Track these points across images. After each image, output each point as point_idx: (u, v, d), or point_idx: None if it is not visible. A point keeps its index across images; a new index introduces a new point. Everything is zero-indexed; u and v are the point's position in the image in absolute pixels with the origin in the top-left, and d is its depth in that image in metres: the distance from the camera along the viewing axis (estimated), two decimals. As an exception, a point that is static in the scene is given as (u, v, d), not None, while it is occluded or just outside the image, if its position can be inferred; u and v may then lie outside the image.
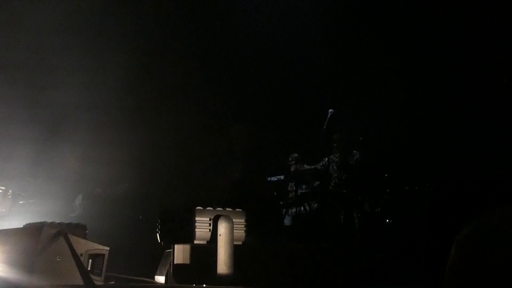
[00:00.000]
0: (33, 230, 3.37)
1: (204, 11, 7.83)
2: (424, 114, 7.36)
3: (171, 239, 3.66)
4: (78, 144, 7.81)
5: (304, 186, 7.53)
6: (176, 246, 3.63)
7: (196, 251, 3.61)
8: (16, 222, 4.59)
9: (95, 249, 3.44)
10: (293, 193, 7.71)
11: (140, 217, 7.42)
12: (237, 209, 3.72)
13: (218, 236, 3.46)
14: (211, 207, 3.58)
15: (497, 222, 1.24)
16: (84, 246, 3.36)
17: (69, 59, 7.58)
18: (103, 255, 3.57)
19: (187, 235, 3.51)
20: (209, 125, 7.92)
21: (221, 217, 3.49)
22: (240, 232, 3.64)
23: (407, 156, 7.10)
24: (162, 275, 3.93)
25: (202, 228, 3.48)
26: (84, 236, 4.01)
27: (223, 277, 3.38)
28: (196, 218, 3.47)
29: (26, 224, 4.01)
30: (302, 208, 7.42)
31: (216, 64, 8.18)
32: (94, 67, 7.78)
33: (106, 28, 7.77)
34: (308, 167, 7.55)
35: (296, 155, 7.90)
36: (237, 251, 3.51)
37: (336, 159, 6.94)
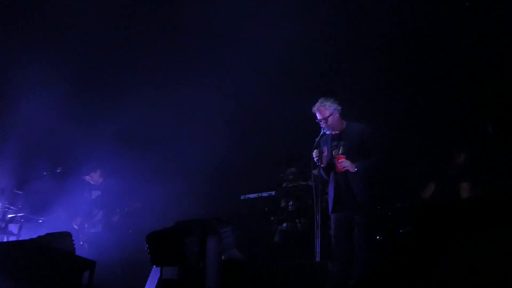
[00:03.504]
0: (18, 244, 3.34)
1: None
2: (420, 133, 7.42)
3: (161, 262, 3.62)
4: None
5: (297, 202, 7.51)
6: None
7: (184, 268, 3.58)
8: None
9: (81, 262, 3.42)
10: (285, 209, 7.69)
11: (130, 231, 7.39)
12: (226, 225, 3.71)
13: (207, 253, 3.44)
14: (199, 223, 3.57)
15: (470, 257, 1.26)
16: (68, 259, 3.33)
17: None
18: (90, 268, 3.54)
19: (176, 256, 3.47)
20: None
21: (209, 234, 3.47)
22: (228, 249, 3.63)
23: (400, 174, 7.12)
24: (150, 291, 3.90)
25: (190, 246, 3.44)
26: (72, 245, 3.98)
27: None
28: (185, 237, 3.44)
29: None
30: (293, 224, 7.41)
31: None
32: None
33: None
34: (303, 183, 7.51)
35: (294, 169, 7.87)
36: (225, 268, 3.49)
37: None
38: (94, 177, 7.92)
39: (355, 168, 5.32)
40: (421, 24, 7.28)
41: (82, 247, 7.44)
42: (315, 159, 5.39)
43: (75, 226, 7.71)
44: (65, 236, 3.98)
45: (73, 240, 4.03)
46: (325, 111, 5.47)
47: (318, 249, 5.11)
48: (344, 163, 5.33)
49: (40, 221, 7.61)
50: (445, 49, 7.29)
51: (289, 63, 7.87)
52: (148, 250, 3.61)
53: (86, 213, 7.76)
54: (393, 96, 7.67)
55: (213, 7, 7.73)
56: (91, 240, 7.52)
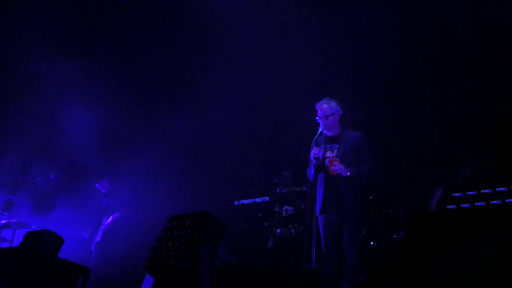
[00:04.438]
0: (11, 251, 3.34)
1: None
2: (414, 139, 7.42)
3: (159, 277, 3.66)
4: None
5: (291, 208, 7.51)
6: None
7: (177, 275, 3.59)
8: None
9: (75, 269, 3.41)
10: (279, 214, 7.68)
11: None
12: (220, 231, 3.72)
13: (201, 260, 3.44)
14: (193, 226, 3.58)
15: (471, 260, 1.27)
16: (62, 265, 3.33)
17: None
18: (83, 275, 3.54)
19: (172, 271, 3.49)
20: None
21: (202, 241, 3.48)
22: (222, 254, 3.64)
23: (393, 179, 7.12)
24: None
25: (185, 258, 3.45)
26: (56, 240, 3.97)
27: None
28: (178, 250, 3.45)
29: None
30: (287, 230, 7.41)
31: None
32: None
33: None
34: (297, 189, 7.51)
35: (288, 174, 7.87)
36: (219, 273, 3.50)
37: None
38: (103, 185, 8.02)
39: (348, 173, 5.34)
40: (431, 29, 7.29)
41: (91, 255, 7.51)
42: (312, 156, 5.42)
43: (85, 236, 7.74)
44: (47, 234, 3.96)
45: (58, 235, 4.03)
46: (328, 110, 5.56)
47: (313, 254, 5.13)
48: (338, 167, 5.36)
49: (34, 226, 7.59)
50: (453, 54, 7.29)
51: (286, 68, 7.90)
52: (148, 274, 3.65)
53: (96, 221, 7.80)
54: (396, 100, 7.69)
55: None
56: (98, 247, 7.60)
